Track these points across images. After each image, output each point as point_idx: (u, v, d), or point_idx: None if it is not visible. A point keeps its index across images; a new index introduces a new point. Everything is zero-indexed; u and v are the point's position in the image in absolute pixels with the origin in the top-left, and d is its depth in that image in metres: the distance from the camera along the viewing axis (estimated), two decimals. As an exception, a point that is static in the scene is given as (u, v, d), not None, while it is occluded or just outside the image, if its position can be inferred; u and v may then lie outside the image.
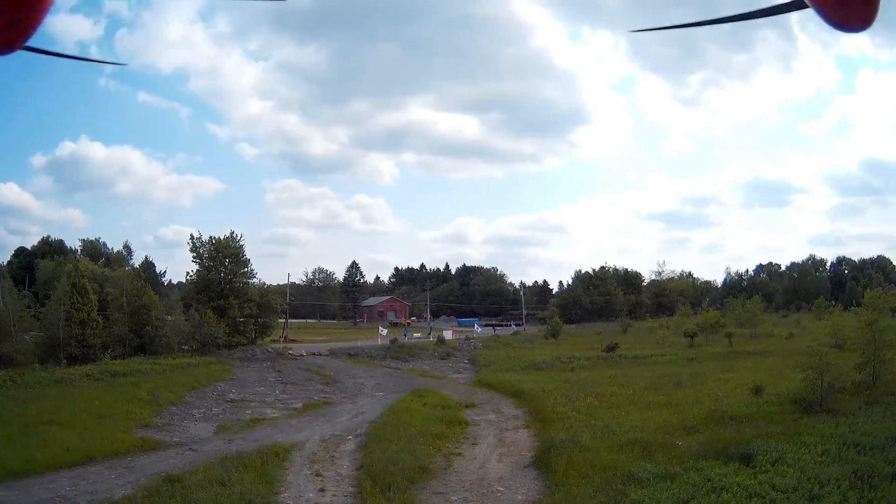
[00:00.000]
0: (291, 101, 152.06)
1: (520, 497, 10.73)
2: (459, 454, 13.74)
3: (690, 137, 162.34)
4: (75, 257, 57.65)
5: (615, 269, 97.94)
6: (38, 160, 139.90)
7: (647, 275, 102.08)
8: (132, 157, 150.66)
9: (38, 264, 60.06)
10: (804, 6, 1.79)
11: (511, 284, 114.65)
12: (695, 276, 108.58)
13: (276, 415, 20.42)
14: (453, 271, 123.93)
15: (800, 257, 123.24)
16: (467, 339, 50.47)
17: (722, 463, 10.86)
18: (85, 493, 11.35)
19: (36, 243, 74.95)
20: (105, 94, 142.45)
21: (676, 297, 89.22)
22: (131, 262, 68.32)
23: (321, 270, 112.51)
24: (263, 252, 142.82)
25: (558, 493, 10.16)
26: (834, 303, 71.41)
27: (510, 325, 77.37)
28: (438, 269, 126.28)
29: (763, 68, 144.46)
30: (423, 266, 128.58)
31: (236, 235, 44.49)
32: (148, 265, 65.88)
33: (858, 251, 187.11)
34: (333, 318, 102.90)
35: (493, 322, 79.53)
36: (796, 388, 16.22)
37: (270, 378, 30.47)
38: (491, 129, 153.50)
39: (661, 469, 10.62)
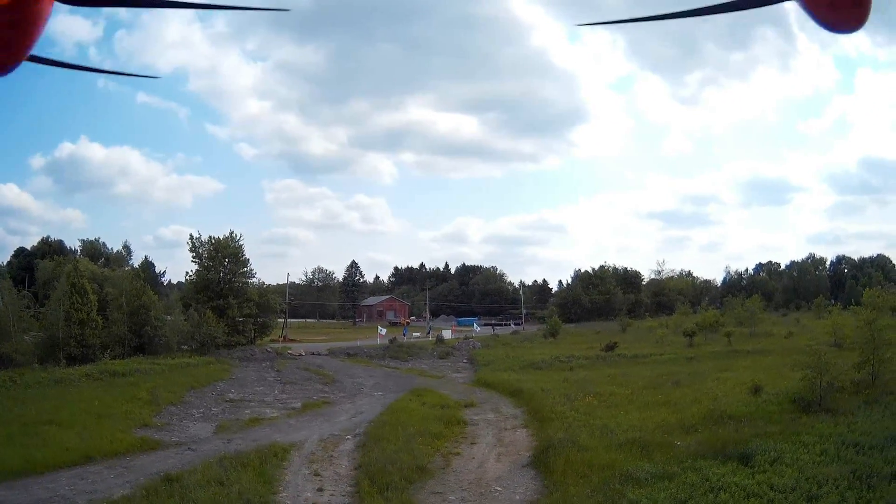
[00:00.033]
0: (290, 101, 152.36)
1: (517, 497, 10.73)
2: (458, 454, 13.74)
3: (689, 136, 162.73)
4: (75, 257, 57.67)
5: (614, 269, 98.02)
6: (38, 161, 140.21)
7: (647, 274, 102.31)
8: (131, 158, 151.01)
9: (38, 264, 60.10)
10: None
11: (510, 284, 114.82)
12: (694, 275, 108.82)
13: (275, 414, 20.42)
14: (453, 271, 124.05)
15: (799, 256, 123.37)
16: (466, 338, 50.46)
17: (720, 463, 10.85)
18: (84, 492, 11.36)
19: (35, 244, 75.11)
20: (104, 94, 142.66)
21: (676, 296, 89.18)
22: (131, 262, 68.46)
23: (321, 270, 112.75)
24: (263, 252, 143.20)
25: (556, 493, 10.16)
26: (833, 302, 71.48)
27: (509, 325, 77.37)
28: (438, 269, 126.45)
29: (762, 67, 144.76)
30: (422, 265, 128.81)
31: (235, 235, 44.54)
32: (147, 265, 65.96)
33: (858, 250, 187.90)
34: (333, 318, 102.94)
35: (493, 321, 79.52)
36: (795, 387, 16.22)
37: (269, 378, 30.47)
38: (490, 129, 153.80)
39: (659, 469, 10.61)
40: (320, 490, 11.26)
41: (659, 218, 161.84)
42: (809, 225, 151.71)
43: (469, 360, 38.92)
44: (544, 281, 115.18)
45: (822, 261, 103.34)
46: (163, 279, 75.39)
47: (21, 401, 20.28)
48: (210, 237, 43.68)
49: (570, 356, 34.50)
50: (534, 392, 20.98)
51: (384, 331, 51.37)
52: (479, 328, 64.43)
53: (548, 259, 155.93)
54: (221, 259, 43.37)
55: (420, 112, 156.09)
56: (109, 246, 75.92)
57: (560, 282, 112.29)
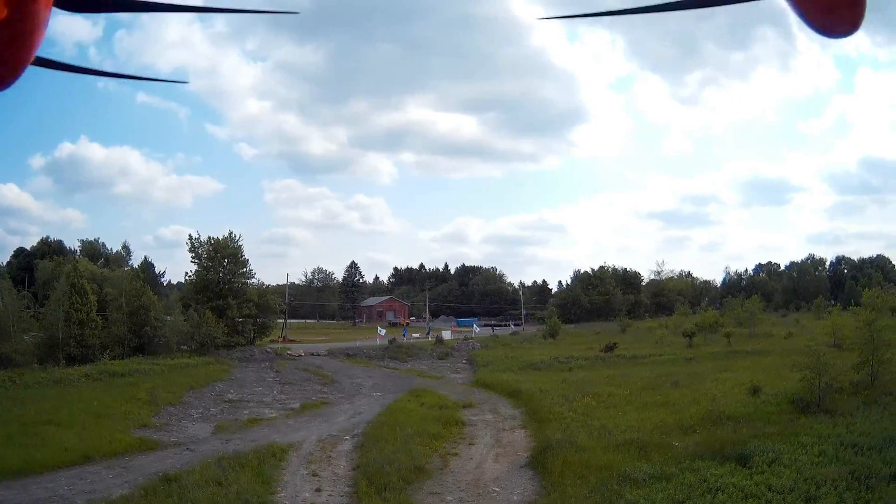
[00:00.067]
0: (290, 101, 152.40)
1: (515, 497, 10.74)
2: (456, 454, 13.75)
3: (689, 136, 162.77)
4: (74, 258, 57.64)
5: (614, 269, 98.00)
6: (38, 161, 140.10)
7: (646, 274, 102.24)
8: (131, 158, 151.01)
9: (38, 265, 60.12)
10: None
11: (510, 284, 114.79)
12: (694, 275, 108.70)
13: (274, 415, 20.43)
14: (452, 271, 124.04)
15: (799, 256, 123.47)
16: (466, 339, 50.46)
17: (718, 463, 10.85)
18: (83, 492, 11.39)
19: (35, 244, 75.13)
20: (104, 94, 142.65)
21: (675, 296, 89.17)
22: (130, 262, 68.43)
23: (320, 271, 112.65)
24: (263, 252, 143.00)
25: (554, 494, 10.17)
26: (833, 302, 71.46)
27: (508, 326, 77.38)
28: (438, 269, 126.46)
29: (762, 67, 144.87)
30: (422, 266, 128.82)
31: (235, 236, 44.59)
32: (147, 265, 65.93)
33: (858, 250, 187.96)
34: (333, 319, 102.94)
35: (492, 322, 79.51)
36: (794, 388, 16.23)
37: (268, 378, 30.48)
38: (490, 129, 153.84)
39: (657, 469, 10.62)
40: (318, 490, 11.28)
41: (659, 218, 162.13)
42: (809, 225, 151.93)
43: (468, 360, 38.93)
44: (544, 282, 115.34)
45: (821, 261, 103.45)
46: (162, 279, 75.44)
47: (20, 401, 20.31)
48: (209, 237, 43.76)
49: (569, 357, 34.50)
50: (532, 393, 20.97)
51: (383, 331, 51.37)
52: (478, 329, 64.44)
53: (547, 259, 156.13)
54: (221, 259, 43.40)
55: (420, 112, 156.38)
56: (109, 246, 76.00)
57: (560, 282, 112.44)
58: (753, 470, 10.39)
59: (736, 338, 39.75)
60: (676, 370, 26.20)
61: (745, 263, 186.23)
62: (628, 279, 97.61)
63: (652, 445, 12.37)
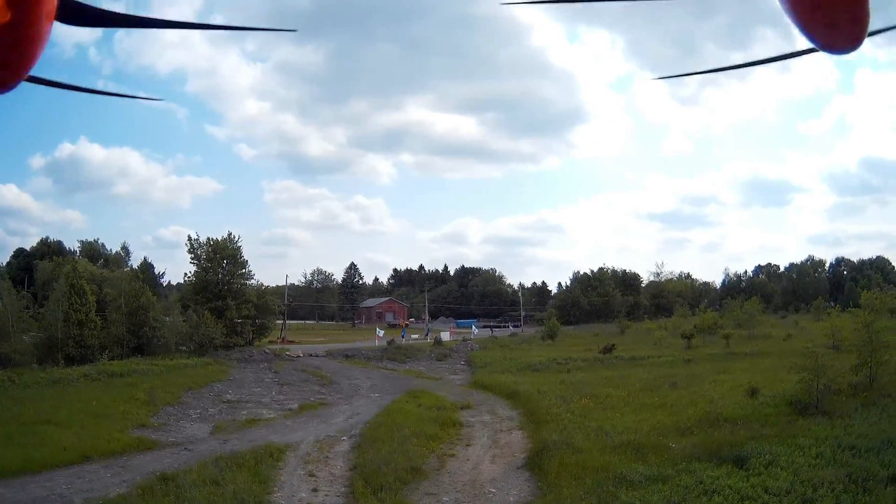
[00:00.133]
0: (289, 101, 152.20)
1: (511, 498, 10.75)
2: (453, 455, 13.76)
3: (689, 137, 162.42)
4: (74, 258, 57.70)
5: (613, 271, 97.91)
6: (38, 161, 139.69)
7: (646, 276, 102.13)
8: (131, 159, 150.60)
9: (37, 265, 60.17)
10: (812, 51, 1.78)
11: (510, 286, 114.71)
12: (693, 277, 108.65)
13: (272, 415, 20.44)
14: (452, 272, 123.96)
15: (799, 257, 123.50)
16: (464, 340, 50.46)
17: (715, 465, 10.83)
18: (81, 491, 11.42)
19: (35, 244, 75.12)
20: (104, 95, 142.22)
21: (675, 298, 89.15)
22: (129, 263, 68.46)
23: (320, 272, 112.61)
24: (262, 253, 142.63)
25: (550, 495, 10.18)
26: (833, 304, 71.41)
27: (507, 327, 77.38)
28: (437, 271, 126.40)
29: (761, 67, 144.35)
30: (421, 267, 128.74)
31: (234, 237, 44.66)
32: (147, 266, 65.98)
33: (858, 251, 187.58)
34: (332, 320, 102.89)
35: (491, 324, 79.50)
36: (792, 389, 16.23)
37: (267, 379, 30.49)
38: (489, 130, 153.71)
39: (654, 471, 10.62)
40: (315, 490, 11.30)
41: (658, 219, 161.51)
42: (809, 226, 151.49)
43: (467, 361, 38.92)
44: (543, 283, 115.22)
45: (821, 263, 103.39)
46: (162, 280, 75.47)
47: (19, 400, 20.34)
48: (209, 238, 43.85)
49: (568, 358, 34.49)
50: (530, 394, 20.98)
51: (382, 332, 51.37)
52: (477, 330, 64.43)
53: (547, 260, 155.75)
54: (220, 260, 43.46)
55: (419, 112, 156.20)
56: (109, 247, 76.06)
57: (559, 283, 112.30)
58: (750, 472, 10.38)
59: (735, 339, 39.74)
60: (675, 372, 26.20)
61: (744, 265, 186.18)
62: (627, 280, 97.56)
63: (649, 447, 12.37)
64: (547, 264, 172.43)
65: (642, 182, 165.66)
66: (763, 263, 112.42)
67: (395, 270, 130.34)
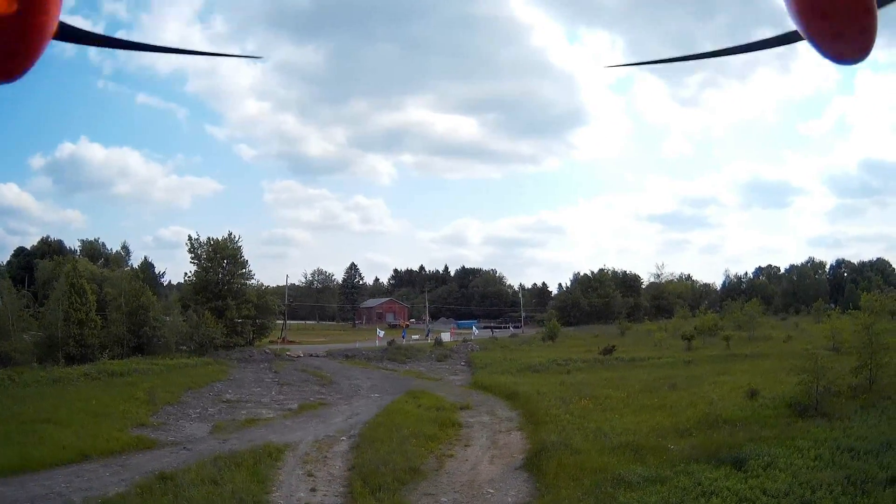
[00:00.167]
0: (289, 101, 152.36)
1: (509, 499, 10.76)
2: (451, 456, 13.76)
3: (689, 138, 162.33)
4: (74, 258, 57.76)
5: (613, 272, 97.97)
6: (38, 161, 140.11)
7: (646, 277, 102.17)
8: (131, 158, 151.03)
9: (38, 264, 60.32)
10: (797, 39, 1.78)
11: (510, 286, 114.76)
12: (693, 278, 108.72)
13: (272, 415, 20.45)
14: (452, 273, 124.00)
15: (799, 259, 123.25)
16: (465, 341, 50.47)
17: (713, 467, 10.81)
18: (80, 489, 11.43)
19: (35, 243, 75.35)
20: (104, 95, 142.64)
21: (675, 299, 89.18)
22: (130, 262, 68.58)
23: (320, 272, 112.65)
24: (262, 253, 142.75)
25: (548, 496, 10.18)
26: (833, 305, 71.34)
27: (508, 328, 77.38)
28: (437, 271, 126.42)
29: (761, 68, 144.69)
30: (422, 268, 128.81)
31: (234, 236, 44.71)
32: (147, 266, 66.06)
33: (858, 253, 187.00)
34: (332, 320, 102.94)
35: (492, 324, 79.49)
36: (792, 391, 16.21)
37: (267, 379, 30.52)
38: (489, 130, 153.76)
39: (652, 472, 10.60)
40: (313, 490, 11.30)
41: (659, 220, 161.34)
42: (810, 227, 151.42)
43: (467, 362, 38.93)
44: (544, 284, 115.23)
45: (821, 264, 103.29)
46: (162, 280, 75.56)
47: (19, 399, 20.38)
48: (209, 238, 43.92)
49: (568, 359, 34.49)
50: (530, 395, 20.97)
51: (382, 333, 51.39)
52: (477, 331, 64.45)
53: (547, 261, 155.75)
54: (220, 260, 43.51)
55: (419, 113, 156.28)
56: (109, 246, 76.23)
57: (560, 284, 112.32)
58: (749, 474, 10.36)
59: (735, 341, 39.75)
60: (674, 373, 26.19)
61: (744, 266, 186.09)
62: (628, 282, 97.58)
63: (647, 448, 12.35)
64: (547, 265, 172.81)
65: (642, 183, 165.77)
66: (763, 265, 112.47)
67: (395, 271, 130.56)
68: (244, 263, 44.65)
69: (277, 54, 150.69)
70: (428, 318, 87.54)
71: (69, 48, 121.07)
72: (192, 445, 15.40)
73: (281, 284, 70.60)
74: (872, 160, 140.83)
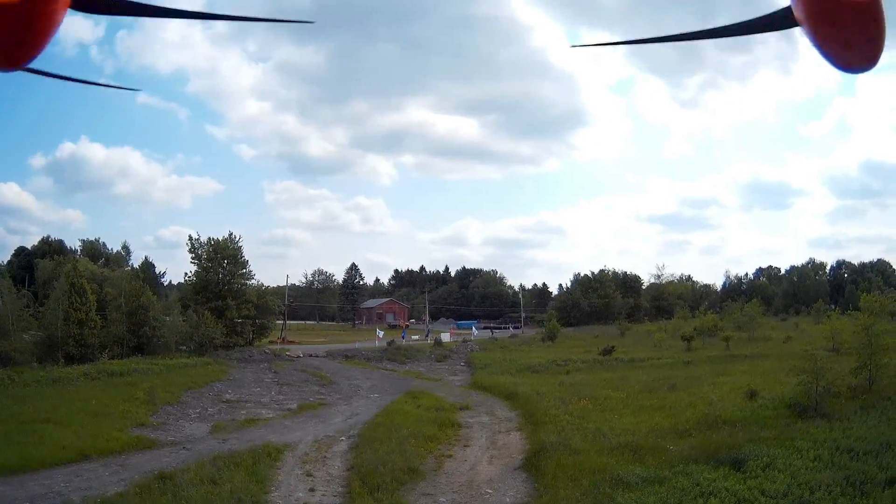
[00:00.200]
0: (290, 101, 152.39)
1: (508, 499, 10.76)
2: (450, 456, 13.75)
3: (690, 139, 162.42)
4: (74, 257, 57.83)
5: (614, 272, 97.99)
6: (39, 161, 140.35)
7: (646, 278, 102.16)
8: (131, 158, 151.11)
9: (38, 264, 60.38)
10: (793, 24, 1.75)
11: (510, 287, 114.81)
12: (694, 279, 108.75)
13: (271, 415, 20.45)
14: (452, 273, 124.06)
15: (799, 260, 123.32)
16: (464, 341, 50.49)
17: (712, 467, 10.81)
18: (79, 489, 11.43)
19: (36, 243, 75.46)
20: (105, 95, 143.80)
21: (675, 300, 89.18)
22: (130, 262, 68.65)
23: (320, 272, 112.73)
24: (263, 253, 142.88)
25: (546, 496, 10.18)
26: (833, 306, 71.35)
27: (508, 328, 77.39)
28: (438, 272, 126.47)
29: (762, 69, 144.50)
30: (422, 268, 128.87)
31: (234, 237, 44.73)
32: (148, 266, 66.11)
33: (858, 254, 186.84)
34: (333, 320, 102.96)
35: (492, 325, 79.50)
36: (791, 392, 16.22)
37: (267, 379, 30.52)
38: (490, 131, 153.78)
39: (650, 473, 10.60)
40: (312, 490, 11.31)
41: (659, 221, 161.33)
42: (810, 228, 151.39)
43: (466, 363, 38.94)
44: (544, 284, 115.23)
45: (822, 265, 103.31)
46: (163, 280, 75.62)
47: (19, 399, 20.38)
48: (209, 238, 43.92)
49: (567, 360, 34.49)
50: (529, 395, 20.96)
51: (382, 333, 51.41)
52: (477, 331, 64.47)
53: (548, 262, 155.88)
54: (220, 260, 43.52)
55: (419, 113, 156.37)
56: (109, 246, 76.31)
57: (560, 285, 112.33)
58: (747, 474, 10.35)
59: (735, 342, 39.74)
60: (674, 374, 26.18)
61: (745, 267, 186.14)
62: (628, 282, 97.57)
63: (646, 449, 12.35)
64: (547, 266, 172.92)
65: (643, 184, 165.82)
66: (764, 266, 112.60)
67: (395, 271, 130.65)
68: (244, 263, 44.70)
69: (278, 55, 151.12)
70: (428, 318, 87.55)
71: (70, 47, 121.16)
72: (191, 445, 15.40)
73: (281, 284, 70.63)
74: (873, 161, 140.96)
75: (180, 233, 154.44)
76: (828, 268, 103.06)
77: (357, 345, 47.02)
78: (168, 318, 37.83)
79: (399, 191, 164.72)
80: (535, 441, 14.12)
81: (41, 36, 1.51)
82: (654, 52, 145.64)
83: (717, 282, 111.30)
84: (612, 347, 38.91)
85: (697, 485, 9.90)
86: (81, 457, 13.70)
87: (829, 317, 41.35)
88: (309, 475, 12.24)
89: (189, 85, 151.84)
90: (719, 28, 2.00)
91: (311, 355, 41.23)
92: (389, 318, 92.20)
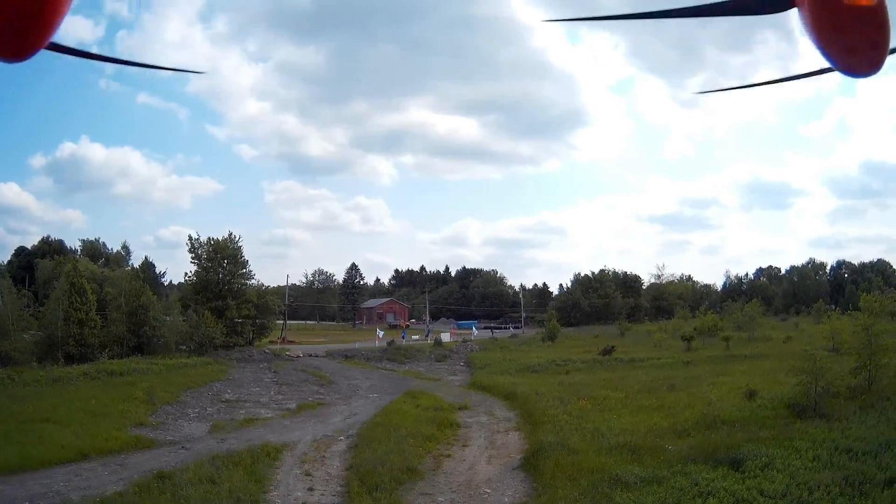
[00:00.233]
0: (290, 101, 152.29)
1: (506, 499, 10.76)
2: (449, 456, 13.76)
3: (690, 139, 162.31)
4: (75, 257, 57.86)
5: (614, 272, 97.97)
6: (39, 160, 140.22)
7: (647, 278, 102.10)
8: (132, 158, 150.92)
9: (38, 264, 60.36)
10: (787, 6, 1.75)
11: (511, 287, 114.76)
12: (694, 279, 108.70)
13: (270, 415, 20.46)
14: (453, 273, 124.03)
15: (800, 260, 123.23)
16: (464, 341, 50.48)
17: (711, 467, 10.80)
18: (78, 488, 11.46)
19: (36, 243, 75.38)
20: (105, 94, 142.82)
21: (675, 300, 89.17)
22: (130, 262, 68.67)
23: (321, 272, 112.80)
24: (263, 253, 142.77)
25: (544, 496, 10.19)
26: (834, 306, 71.33)
27: (508, 328, 77.38)
28: (438, 272, 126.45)
29: (762, 69, 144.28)
30: (422, 268, 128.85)
31: (234, 236, 44.75)
32: (148, 265, 66.11)
33: (858, 254, 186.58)
34: (333, 320, 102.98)
35: (492, 325, 79.49)
36: (790, 392, 16.22)
37: (266, 379, 30.53)
38: (490, 131, 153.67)
39: (649, 473, 10.60)
40: (311, 490, 11.31)
41: (659, 221, 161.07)
42: (810, 229, 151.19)
43: (466, 363, 38.93)
44: (544, 284, 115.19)
45: (822, 265, 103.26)
46: (163, 280, 75.61)
47: (19, 398, 20.41)
48: (209, 238, 43.93)
49: (567, 360, 34.49)
50: (528, 395, 20.96)
51: (381, 333, 51.40)
52: (477, 331, 64.47)
53: (548, 262, 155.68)
54: (220, 260, 43.54)
55: (419, 113, 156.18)
56: (109, 246, 76.32)
57: (560, 285, 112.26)
58: (746, 474, 10.35)
59: (735, 342, 39.72)
60: (674, 374, 26.19)
61: (745, 267, 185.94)
62: (628, 282, 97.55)
63: (645, 449, 12.36)
64: (548, 266, 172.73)
65: (643, 184, 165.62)
66: (764, 266, 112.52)
67: (396, 271, 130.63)
68: (244, 263, 44.72)
69: (278, 55, 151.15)
70: (428, 318, 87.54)
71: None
72: (190, 445, 15.42)
73: (281, 284, 70.62)
74: (873, 162, 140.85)
75: (180, 233, 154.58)
76: (828, 268, 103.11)
77: (357, 345, 47.02)
78: (168, 318, 37.84)
79: (399, 191, 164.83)
80: (533, 441, 14.12)
81: (48, 27, 1.52)
82: (654, 53, 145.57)
83: (718, 282, 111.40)
84: (612, 347, 38.91)
85: (696, 485, 9.90)
86: (81, 456, 13.74)
87: (829, 317, 41.34)
88: (307, 475, 12.25)
89: (189, 85, 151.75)
90: (705, 6, 2.00)
91: (310, 355, 41.23)
92: (390, 318, 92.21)
